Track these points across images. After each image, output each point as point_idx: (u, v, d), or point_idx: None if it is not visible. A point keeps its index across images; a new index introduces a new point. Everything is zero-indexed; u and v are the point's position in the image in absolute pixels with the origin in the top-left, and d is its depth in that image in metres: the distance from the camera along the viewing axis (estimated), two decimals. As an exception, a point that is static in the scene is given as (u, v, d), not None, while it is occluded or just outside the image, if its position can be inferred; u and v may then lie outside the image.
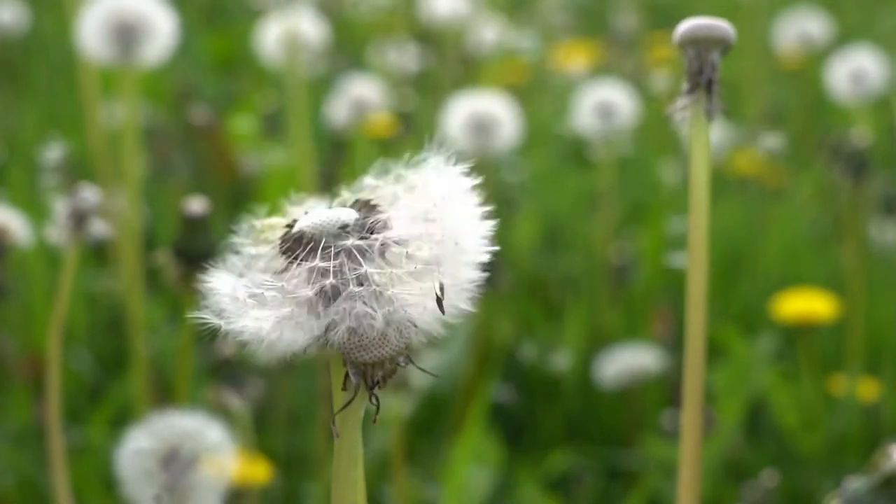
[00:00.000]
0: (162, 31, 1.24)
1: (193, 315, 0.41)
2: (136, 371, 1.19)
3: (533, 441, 1.36)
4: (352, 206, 0.42)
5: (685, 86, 0.50)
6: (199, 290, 0.42)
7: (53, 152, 1.51)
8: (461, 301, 0.42)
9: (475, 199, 0.42)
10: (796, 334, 1.33)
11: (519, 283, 1.53)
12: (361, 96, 1.76)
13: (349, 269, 0.40)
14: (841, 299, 1.35)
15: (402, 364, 0.41)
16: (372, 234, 0.41)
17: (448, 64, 2.25)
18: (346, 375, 0.41)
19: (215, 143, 1.78)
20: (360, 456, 0.42)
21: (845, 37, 2.30)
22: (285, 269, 0.41)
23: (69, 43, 1.49)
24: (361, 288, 0.40)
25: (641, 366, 1.33)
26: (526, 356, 1.38)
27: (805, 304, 1.30)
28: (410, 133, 1.74)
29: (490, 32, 2.29)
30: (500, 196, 1.70)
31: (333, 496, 0.42)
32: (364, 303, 0.40)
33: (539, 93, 2.24)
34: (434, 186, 0.42)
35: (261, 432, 1.21)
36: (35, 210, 1.24)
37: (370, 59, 2.25)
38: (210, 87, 2.15)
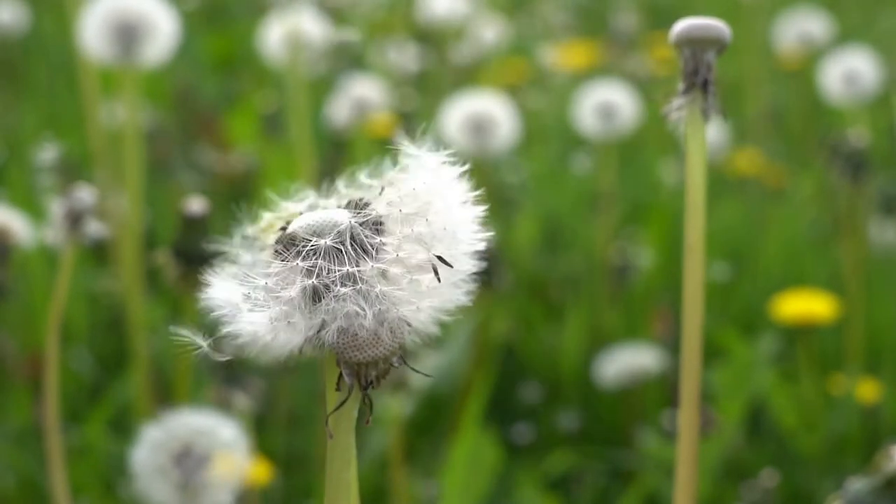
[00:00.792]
0: (162, 31, 1.24)
1: (193, 317, 0.41)
2: (136, 371, 1.19)
3: (533, 441, 1.36)
4: (345, 207, 0.42)
5: (681, 85, 0.50)
6: (198, 293, 0.42)
7: (49, 152, 1.51)
8: (458, 295, 0.41)
9: (466, 190, 0.42)
10: (796, 334, 1.33)
11: (519, 283, 1.53)
12: (362, 96, 1.76)
13: (340, 269, 0.40)
14: (841, 299, 1.34)
15: (396, 364, 0.41)
16: (363, 230, 0.41)
17: (448, 64, 2.25)
18: (340, 375, 0.41)
19: (215, 142, 1.78)
20: (354, 457, 0.42)
21: (845, 37, 2.30)
22: (278, 270, 0.41)
23: (69, 43, 1.49)
24: (350, 287, 0.40)
25: (641, 366, 1.33)
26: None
27: (805, 305, 1.30)
28: (410, 133, 1.74)
29: (490, 32, 2.29)
30: (500, 196, 1.70)
31: (327, 498, 0.42)
32: (353, 302, 0.40)
33: (539, 93, 2.23)
34: (424, 182, 0.42)
35: (261, 432, 1.21)
36: (35, 210, 1.24)
37: (370, 59, 2.25)
38: (210, 87, 2.15)
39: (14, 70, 2.25)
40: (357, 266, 0.40)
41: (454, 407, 1.27)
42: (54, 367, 0.80)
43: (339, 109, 1.77)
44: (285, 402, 1.27)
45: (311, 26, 1.69)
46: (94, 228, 0.80)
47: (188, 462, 0.82)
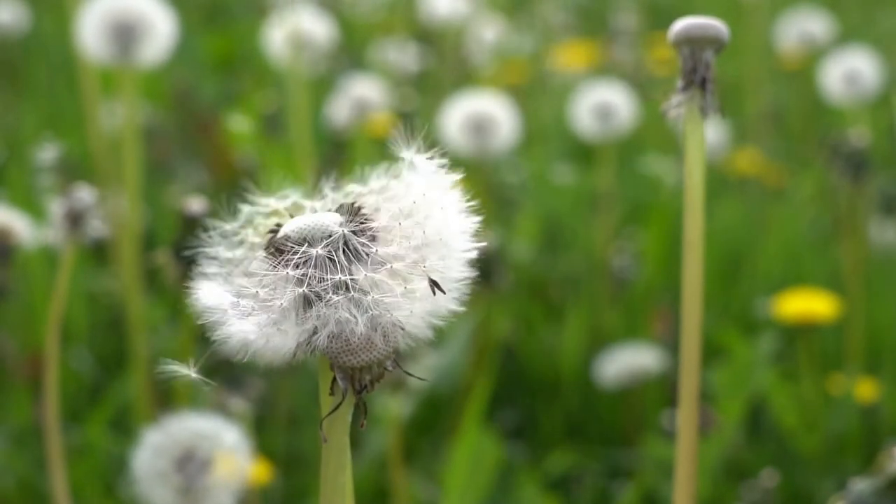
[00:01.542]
0: (160, 31, 1.24)
1: (192, 316, 0.41)
2: (135, 371, 1.19)
3: (533, 441, 1.36)
4: (336, 211, 0.42)
5: (680, 83, 0.50)
6: (189, 296, 0.42)
7: (49, 152, 1.51)
8: (450, 301, 0.41)
9: (460, 197, 0.42)
10: (796, 334, 1.33)
11: (519, 283, 1.53)
12: (362, 96, 1.76)
13: (330, 274, 0.40)
14: (841, 299, 1.34)
15: (390, 368, 0.40)
16: (356, 237, 0.41)
17: (448, 64, 2.25)
18: (334, 380, 0.40)
19: (215, 142, 1.78)
20: (348, 461, 0.42)
21: (846, 37, 2.30)
22: (267, 275, 0.41)
23: (69, 43, 1.49)
24: (341, 293, 0.40)
25: (641, 366, 1.33)
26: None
27: (805, 304, 1.30)
28: (410, 133, 1.74)
29: (490, 32, 2.29)
30: (500, 196, 1.70)
31: (322, 501, 0.42)
32: (345, 308, 0.40)
33: (539, 93, 2.23)
34: (418, 188, 0.42)
35: (261, 432, 1.21)
36: (35, 210, 1.24)
37: (370, 59, 2.25)
38: (210, 87, 2.15)
39: (14, 70, 2.25)
40: (349, 274, 0.40)
41: (454, 407, 1.27)
42: (54, 367, 0.80)
43: (339, 109, 1.77)
44: (285, 403, 1.27)
45: (311, 26, 1.69)
46: (94, 228, 0.80)
47: (189, 466, 0.82)
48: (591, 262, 1.57)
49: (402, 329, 0.40)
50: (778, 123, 2.19)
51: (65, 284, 0.79)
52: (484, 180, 1.53)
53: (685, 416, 0.52)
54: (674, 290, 1.52)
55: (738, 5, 2.40)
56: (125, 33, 1.22)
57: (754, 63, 2.18)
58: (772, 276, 1.52)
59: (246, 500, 1.03)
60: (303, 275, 0.40)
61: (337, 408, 0.41)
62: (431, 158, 0.42)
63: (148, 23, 1.23)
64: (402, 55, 2.20)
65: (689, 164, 0.50)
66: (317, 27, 1.69)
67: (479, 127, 1.49)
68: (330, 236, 0.41)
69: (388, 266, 0.40)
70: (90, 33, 1.23)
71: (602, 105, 1.64)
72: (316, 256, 0.40)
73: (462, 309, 0.41)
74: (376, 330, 0.40)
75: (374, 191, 0.43)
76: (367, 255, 0.41)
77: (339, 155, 1.79)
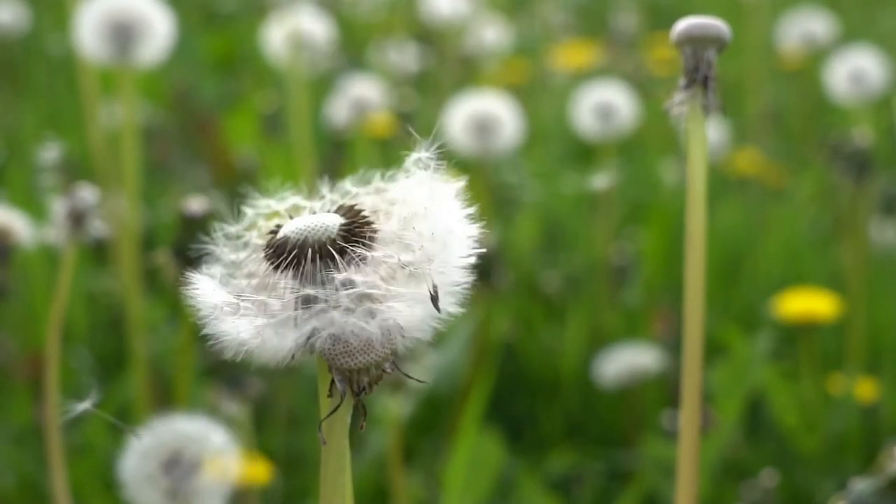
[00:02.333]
0: (158, 31, 1.24)
1: (191, 316, 0.41)
2: (135, 371, 1.19)
3: (533, 441, 1.36)
4: (335, 212, 0.42)
5: (682, 81, 0.50)
6: (187, 296, 0.42)
7: (50, 152, 1.51)
8: (450, 304, 0.41)
9: (461, 201, 0.42)
10: (797, 334, 1.33)
11: (519, 283, 1.53)
12: (362, 96, 1.76)
13: (331, 276, 0.40)
14: (841, 299, 1.34)
15: (389, 370, 0.40)
16: (356, 239, 0.41)
17: (448, 64, 2.24)
18: (332, 382, 0.40)
19: (215, 142, 1.78)
20: (348, 463, 0.42)
21: (847, 37, 2.30)
22: (267, 275, 0.41)
23: (69, 43, 1.49)
24: (343, 294, 0.40)
25: (641, 366, 1.33)
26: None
27: (805, 304, 1.30)
28: (410, 133, 1.74)
29: (490, 32, 2.29)
30: (500, 196, 1.70)
31: (321, 503, 0.42)
32: (345, 309, 0.40)
33: (539, 93, 2.23)
34: (417, 188, 0.41)
35: (261, 432, 1.21)
36: (36, 210, 1.24)
37: (370, 59, 2.25)
38: (210, 87, 2.15)
39: (14, 70, 2.25)
40: (348, 276, 0.40)
41: (454, 407, 1.26)
42: (54, 367, 0.80)
43: (339, 109, 1.77)
44: (285, 402, 1.27)
45: (311, 26, 1.69)
46: (95, 228, 0.80)
47: (177, 469, 0.81)
48: (591, 262, 1.57)
49: (401, 331, 0.40)
50: (778, 123, 2.19)
51: (66, 284, 0.79)
52: (484, 180, 1.53)
53: (687, 416, 0.52)
54: (674, 290, 1.52)
55: (739, 5, 2.40)
56: (123, 33, 1.22)
57: (755, 63, 2.18)
58: (772, 276, 1.52)
59: (245, 499, 1.03)
60: (301, 276, 0.40)
61: (336, 410, 0.40)
62: (432, 159, 0.42)
63: (146, 23, 1.23)
64: (402, 55, 2.20)
65: (691, 161, 0.50)
66: (316, 27, 1.69)
67: (483, 127, 1.49)
68: (329, 237, 0.41)
69: (388, 267, 0.40)
70: (88, 33, 1.23)
71: (603, 105, 1.64)
72: (315, 257, 0.40)
73: (462, 310, 0.41)
74: (374, 332, 0.40)
75: (373, 192, 0.43)
76: (366, 256, 0.41)
77: (338, 155, 1.79)
